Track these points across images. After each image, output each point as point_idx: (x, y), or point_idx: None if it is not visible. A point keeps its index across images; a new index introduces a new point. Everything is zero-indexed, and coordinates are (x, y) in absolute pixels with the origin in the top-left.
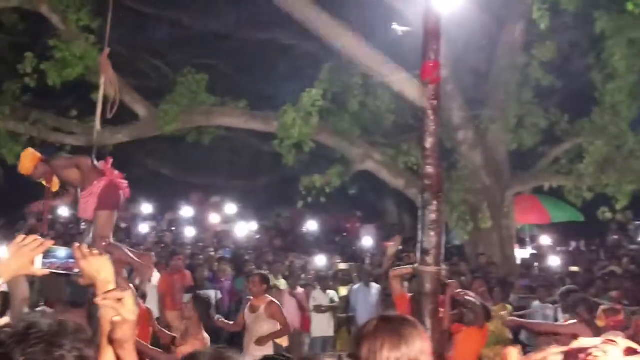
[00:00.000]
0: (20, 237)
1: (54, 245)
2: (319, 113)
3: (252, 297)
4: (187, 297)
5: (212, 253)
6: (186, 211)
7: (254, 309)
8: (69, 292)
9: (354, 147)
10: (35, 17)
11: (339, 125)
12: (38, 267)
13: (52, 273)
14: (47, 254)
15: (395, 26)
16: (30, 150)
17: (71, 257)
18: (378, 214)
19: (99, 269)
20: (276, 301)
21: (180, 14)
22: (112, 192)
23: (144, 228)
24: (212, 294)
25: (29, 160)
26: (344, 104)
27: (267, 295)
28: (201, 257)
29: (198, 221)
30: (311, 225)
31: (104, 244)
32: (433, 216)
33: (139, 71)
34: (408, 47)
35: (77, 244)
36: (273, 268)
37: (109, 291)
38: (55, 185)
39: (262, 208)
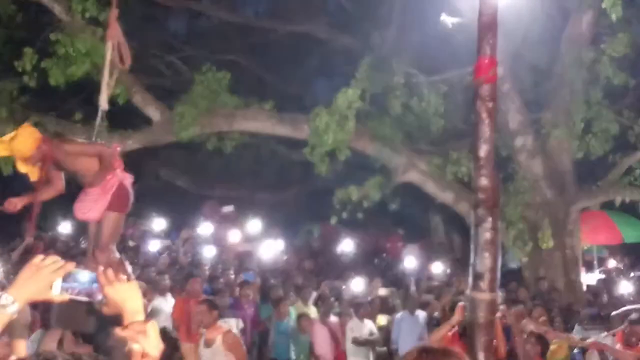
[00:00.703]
0: (39, 257)
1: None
2: (356, 116)
3: (204, 329)
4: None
5: (234, 276)
6: (204, 228)
7: (209, 343)
8: (90, 321)
9: (395, 155)
10: (36, 8)
11: (378, 130)
12: (57, 293)
13: (72, 299)
14: (67, 278)
15: (444, 17)
16: (30, 127)
17: (94, 281)
18: (423, 232)
19: (126, 296)
20: (234, 331)
21: (198, 3)
22: (125, 191)
23: (155, 247)
24: (234, 323)
25: (29, 140)
26: (385, 105)
27: (221, 324)
28: (221, 280)
29: (217, 239)
30: (346, 245)
31: (110, 255)
32: (487, 235)
33: (151, 68)
34: (459, 41)
35: (102, 268)
36: (303, 293)
37: (133, 322)
38: (34, 174)
39: (290, 225)
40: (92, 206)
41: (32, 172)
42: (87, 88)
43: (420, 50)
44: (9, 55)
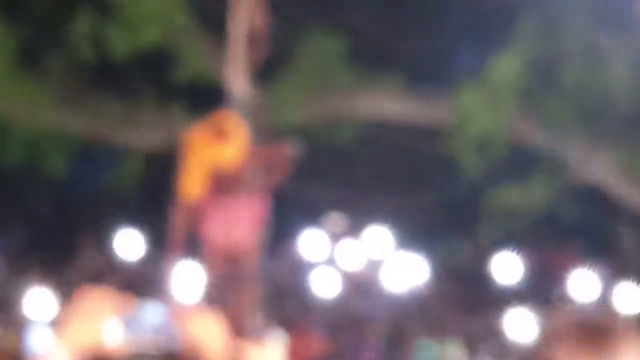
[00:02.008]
0: (89, 292)
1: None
2: (516, 93)
3: None
4: None
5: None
6: (314, 241)
7: None
8: None
9: (570, 145)
10: None
11: (546, 112)
12: (115, 338)
13: (136, 347)
14: (125, 317)
15: None
16: (243, 125)
17: (163, 319)
18: (608, 247)
19: (206, 336)
20: None
21: None
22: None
23: None
24: None
25: (242, 144)
26: (555, 79)
27: None
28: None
29: (329, 259)
30: (504, 266)
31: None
32: None
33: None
34: None
35: (174, 300)
36: (448, 334)
37: None
38: (198, 192)
39: (427, 239)
40: (235, 228)
41: (193, 189)
42: (159, 60)
43: (603, 6)
44: (58, 21)
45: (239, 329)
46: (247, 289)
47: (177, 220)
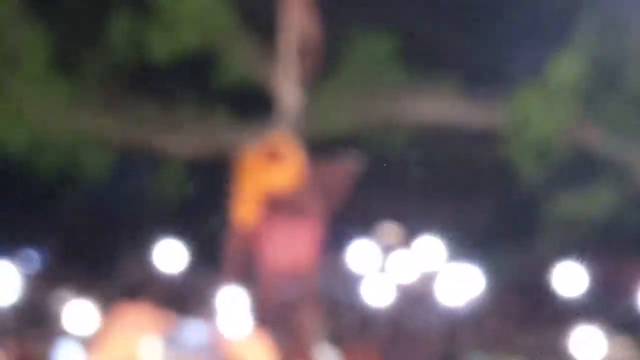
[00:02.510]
0: (125, 308)
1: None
2: (576, 95)
3: None
4: None
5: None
6: (366, 252)
7: None
8: None
9: (634, 149)
10: None
11: (610, 114)
12: (154, 356)
13: None
14: (165, 335)
15: None
16: (297, 146)
17: (204, 337)
18: None
19: (249, 355)
20: None
21: None
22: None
23: None
24: None
25: (296, 166)
26: (618, 80)
27: None
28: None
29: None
30: (568, 278)
31: None
32: None
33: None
34: None
35: (218, 319)
36: (506, 349)
37: None
38: (252, 217)
39: (482, 250)
40: (294, 250)
41: (248, 213)
42: (198, 62)
43: None
44: (96, 23)
45: (302, 353)
46: (308, 312)
47: (232, 246)
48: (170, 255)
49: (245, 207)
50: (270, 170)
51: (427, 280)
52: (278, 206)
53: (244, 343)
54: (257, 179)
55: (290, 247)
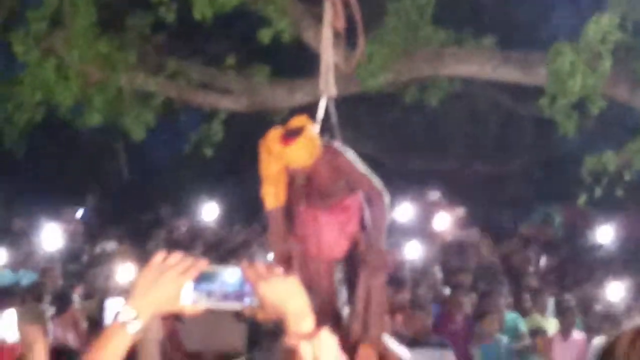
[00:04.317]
0: (160, 255)
1: (210, 265)
2: (613, 53)
3: None
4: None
5: (439, 275)
6: (402, 213)
7: None
8: (237, 336)
9: None
10: None
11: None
12: (189, 302)
13: (210, 309)
14: (200, 280)
15: None
16: (311, 127)
17: (239, 282)
18: None
19: (287, 296)
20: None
21: None
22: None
23: None
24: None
25: (311, 146)
26: None
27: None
28: (423, 282)
29: (420, 230)
30: (601, 234)
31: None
32: None
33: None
34: None
35: (246, 262)
36: (539, 300)
37: (301, 328)
38: (275, 199)
39: (518, 205)
40: (333, 236)
41: (276, 195)
42: (241, 23)
43: None
44: None
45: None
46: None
47: (272, 229)
48: (208, 210)
49: (269, 187)
50: (287, 148)
51: (466, 235)
52: (307, 191)
53: (280, 286)
54: (274, 156)
55: (321, 232)
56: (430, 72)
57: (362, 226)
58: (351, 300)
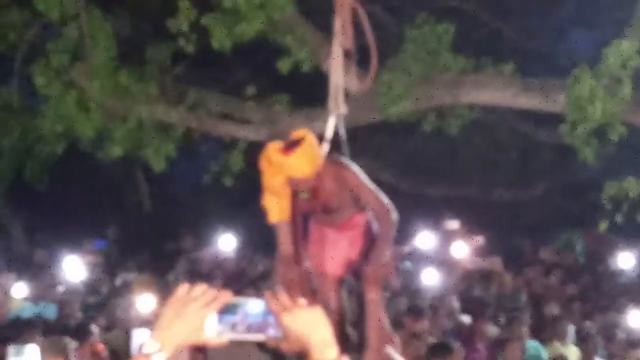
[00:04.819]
0: (184, 286)
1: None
2: (633, 79)
3: None
4: None
5: (456, 304)
6: (424, 241)
7: None
8: None
9: None
10: None
11: None
12: (213, 333)
13: (234, 340)
14: (224, 312)
15: None
16: (312, 137)
17: (263, 313)
18: None
19: (312, 326)
20: None
21: None
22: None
23: None
24: None
25: (312, 156)
26: None
27: None
28: (441, 311)
29: (441, 259)
30: (623, 260)
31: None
32: None
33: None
34: None
35: (269, 291)
36: (559, 328)
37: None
38: (279, 212)
39: (539, 232)
40: (341, 252)
41: (279, 209)
42: (261, 52)
43: None
44: (159, 13)
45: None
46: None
47: (279, 242)
48: (229, 240)
49: (270, 199)
50: (287, 158)
51: (488, 263)
52: (314, 206)
53: (304, 317)
54: (274, 168)
55: (329, 248)
56: (449, 100)
57: (371, 244)
58: (359, 318)
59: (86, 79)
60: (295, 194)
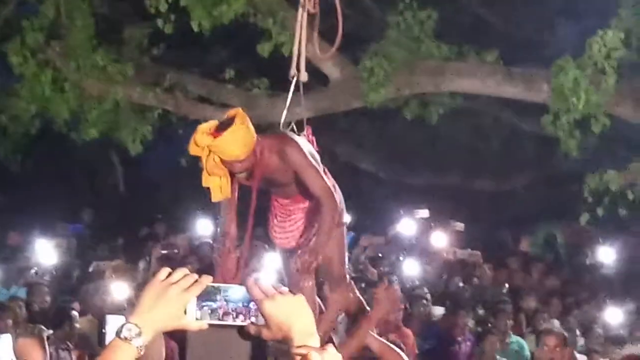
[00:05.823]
0: (165, 271)
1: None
2: (617, 70)
3: None
4: None
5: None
6: (403, 228)
7: None
8: (242, 353)
9: None
10: None
11: None
12: (192, 318)
13: (214, 326)
14: (204, 297)
15: None
16: (245, 118)
17: (244, 299)
18: None
19: (294, 313)
20: None
21: None
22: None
23: None
24: None
25: (246, 138)
26: None
27: None
28: (424, 301)
29: (419, 247)
30: (603, 255)
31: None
32: None
33: (328, 9)
34: None
35: (251, 278)
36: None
37: (306, 347)
38: (221, 192)
39: (521, 225)
40: (297, 229)
41: (220, 188)
42: (241, 36)
43: None
44: None
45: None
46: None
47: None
48: (205, 225)
49: (209, 179)
50: (215, 140)
51: (470, 254)
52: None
53: (286, 305)
54: (210, 150)
55: (296, 220)
56: (431, 87)
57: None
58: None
59: (62, 58)
60: (232, 174)
